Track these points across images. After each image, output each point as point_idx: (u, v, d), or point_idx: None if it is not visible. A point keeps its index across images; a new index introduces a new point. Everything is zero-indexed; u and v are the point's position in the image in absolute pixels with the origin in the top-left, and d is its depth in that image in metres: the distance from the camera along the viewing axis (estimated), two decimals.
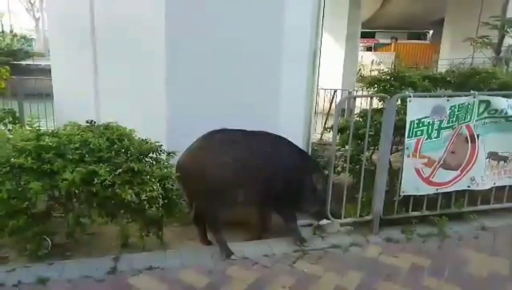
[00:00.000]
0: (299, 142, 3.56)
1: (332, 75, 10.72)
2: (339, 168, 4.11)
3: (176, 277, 2.70)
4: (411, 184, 3.45)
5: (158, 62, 3.41)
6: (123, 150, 2.94)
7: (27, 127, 3.23)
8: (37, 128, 3.10)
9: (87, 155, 2.78)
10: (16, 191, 2.69)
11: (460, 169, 3.59)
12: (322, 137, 6.92)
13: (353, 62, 12.16)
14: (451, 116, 3.39)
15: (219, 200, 3.00)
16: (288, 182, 3.12)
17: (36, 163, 2.68)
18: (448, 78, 4.14)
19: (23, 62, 14.10)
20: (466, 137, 3.56)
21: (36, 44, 21.94)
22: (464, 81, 4.17)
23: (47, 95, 5.85)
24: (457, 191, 3.67)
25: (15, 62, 13.49)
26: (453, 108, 3.38)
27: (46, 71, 9.31)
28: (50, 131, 3.19)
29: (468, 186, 3.65)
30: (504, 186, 3.86)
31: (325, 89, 7.71)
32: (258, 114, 3.43)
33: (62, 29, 4.41)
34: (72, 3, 4.15)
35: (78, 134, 2.95)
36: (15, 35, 17.52)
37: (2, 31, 18.08)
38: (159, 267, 2.81)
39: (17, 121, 4.98)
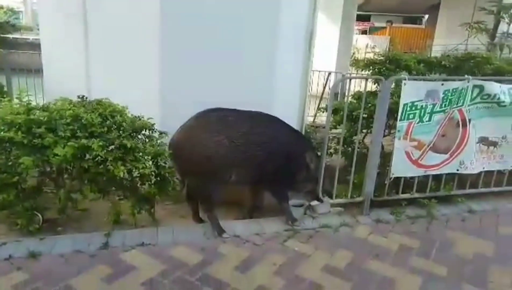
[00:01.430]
0: (293, 124, 3.55)
1: (326, 57, 10.64)
2: (331, 150, 4.14)
3: (168, 253, 2.72)
4: (400, 166, 3.49)
5: (152, 36, 3.33)
6: (115, 126, 2.92)
7: (16, 101, 3.17)
8: (27, 102, 3.04)
9: (79, 131, 2.74)
10: (6, 165, 2.67)
11: (449, 152, 3.64)
12: (315, 120, 6.93)
13: (347, 45, 12.06)
14: (444, 100, 3.40)
15: (213, 179, 3.00)
16: (282, 161, 3.13)
17: (27, 138, 2.64)
18: (443, 62, 4.14)
19: (10, 36, 13.73)
20: (458, 122, 3.59)
21: (24, 18, 21.34)
22: (459, 65, 4.18)
23: (36, 70, 5.74)
24: (447, 175, 3.72)
25: (2, 36, 13.16)
26: (446, 92, 3.39)
27: (34, 45, 9.10)
28: (40, 105, 3.13)
29: (457, 170, 3.70)
30: (493, 171, 3.93)
31: (319, 71, 7.68)
32: (252, 94, 3.39)
33: (51, 1, 4.27)
34: None
35: (69, 109, 2.90)
36: (1, 8, 16.99)
37: None
38: (151, 243, 2.82)
39: (5, 96, 4.88)
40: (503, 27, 8.22)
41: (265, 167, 3.09)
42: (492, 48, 7.33)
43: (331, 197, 3.46)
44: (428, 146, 3.51)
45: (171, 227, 3.11)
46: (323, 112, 5.76)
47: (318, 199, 3.43)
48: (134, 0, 3.42)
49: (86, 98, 3.20)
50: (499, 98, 3.58)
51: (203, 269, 2.57)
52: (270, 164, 3.09)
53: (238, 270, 2.60)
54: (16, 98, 3.25)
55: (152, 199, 3.06)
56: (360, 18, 18.64)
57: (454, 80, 3.48)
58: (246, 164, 3.04)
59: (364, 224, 3.38)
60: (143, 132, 3.06)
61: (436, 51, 10.81)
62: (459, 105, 3.51)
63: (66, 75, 3.96)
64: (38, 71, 5.29)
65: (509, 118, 3.74)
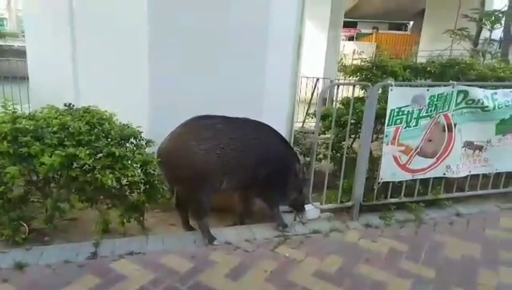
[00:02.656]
0: (282, 130, 3.56)
1: (314, 63, 10.73)
2: (320, 156, 4.17)
3: (158, 262, 2.69)
4: (389, 171, 3.52)
5: (140, 42, 3.32)
6: (103, 134, 2.89)
7: (1, 110, 3.12)
8: (12, 110, 3.00)
9: (66, 139, 2.71)
10: None
11: (436, 157, 3.69)
12: (304, 125, 6.97)
13: (335, 51, 12.18)
14: (430, 105, 3.46)
15: (202, 186, 2.99)
16: (272, 168, 3.13)
17: (13, 147, 2.60)
18: (429, 68, 4.22)
19: None
20: (444, 126, 3.65)
21: (9, 24, 21.05)
22: (444, 71, 4.26)
23: (21, 78, 5.65)
24: (434, 179, 3.77)
25: None
26: (432, 97, 3.45)
27: (20, 53, 8.97)
28: (26, 114, 3.09)
29: (444, 174, 3.76)
30: (478, 174, 4.00)
31: (307, 78, 7.73)
32: (241, 100, 3.40)
33: (37, 7, 4.24)
34: None
35: (56, 118, 2.88)
36: None
37: None
38: (140, 252, 2.79)
39: None
40: (485, 33, 8.41)
41: (255, 173, 3.09)
42: (475, 54, 7.49)
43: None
44: (415, 150, 3.56)
45: (161, 235, 3.08)
46: (312, 118, 5.81)
47: (301, 206, 3.44)
48: (122, 7, 3.41)
49: (73, 105, 3.17)
50: (483, 103, 3.66)
51: (194, 277, 2.55)
52: (260, 171, 3.09)
53: (229, 278, 2.59)
54: (2, 106, 3.20)
55: (141, 207, 3.03)
56: (347, 25, 18.87)
57: (439, 85, 3.54)
58: (235, 171, 3.04)
59: (354, 229, 3.40)
60: (131, 140, 3.03)
61: (422, 56, 10.99)
62: (444, 110, 3.57)
63: (52, 83, 3.91)
64: (23, 78, 5.22)
65: (493, 123, 3.83)
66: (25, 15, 4.98)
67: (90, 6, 3.55)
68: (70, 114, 3.02)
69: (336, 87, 3.53)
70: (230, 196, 3.36)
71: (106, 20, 3.47)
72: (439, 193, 3.84)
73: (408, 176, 3.63)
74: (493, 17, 7.87)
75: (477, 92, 3.63)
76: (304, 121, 7.06)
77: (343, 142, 3.85)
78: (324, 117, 4.13)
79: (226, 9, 3.40)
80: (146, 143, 3.08)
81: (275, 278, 2.62)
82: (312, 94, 7.85)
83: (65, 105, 3.15)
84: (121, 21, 3.41)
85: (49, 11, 3.91)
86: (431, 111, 3.49)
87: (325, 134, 4.29)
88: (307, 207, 3.47)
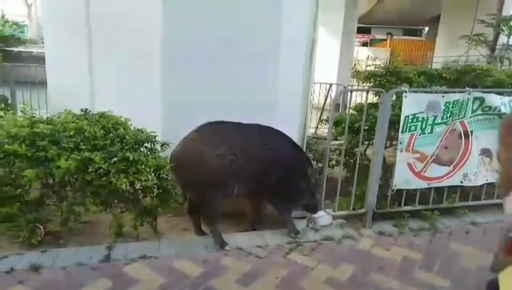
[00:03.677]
0: (295, 136, 3.56)
1: (327, 69, 10.72)
2: (333, 162, 4.15)
3: (170, 266, 2.71)
4: (403, 178, 3.48)
5: (154, 49, 3.37)
6: (118, 139, 2.93)
7: (20, 114, 3.20)
8: (31, 115, 3.07)
9: (82, 143, 2.76)
10: (9, 178, 2.68)
11: (452, 165, 3.63)
12: (317, 131, 6.95)
13: (348, 57, 12.16)
14: (446, 112, 3.42)
15: (214, 192, 3.00)
16: (283, 174, 3.13)
17: (30, 150, 2.66)
18: (444, 75, 4.17)
19: (15, 49, 13.88)
20: (460, 133, 3.59)
21: (29, 31, 21.58)
22: (459, 78, 4.20)
23: (39, 83, 5.79)
24: (449, 187, 3.71)
25: (6, 49, 13.29)
26: (447, 104, 3.41)
27: (38, 58, 9.19)
28: (44, 118, 3.16)
29: (461, 182, 3.70)
30: (495, 182, 3.91)
31: (320, 83, 7.72)
32: (254, 106, 3.42)
33: (56, 15, 4.34)
34: None
35: (72, 122, 2.93)
36: (7, 21, 17.21)
37: None
38: (153, 256, 2.81)
39: (9, 108, 4.93)
40: (502, 39, 8.28)
41: (267, 179, 3.09)
42: (492, 60, 7.37)
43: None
44: (431, 158, 3.51)
45: (173, 239, 3.11)
46: (324, 124, 5.79)
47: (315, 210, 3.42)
48: (137, 14, 3.47)
49: (89, 111, 3.23)
50: (500, 110, 3.59)
51: (206, 282, 2.56)
52: (272, 176, 3.10)
53: (240, 283, 2.59)
54: (21, 111, 3.28)
55: (154, 211, 3.06)
56: (360, 31, 18.80)
57: (454, 92, 3.50)
58: (247, 177, 3.04)
59: (367, 236, 3.36)
60: (145, 144, 3.07)
61: (437, 63, 10.88)
62: (460, 117, 3.52)
63: (69, 88, 4.00)
64: (42, 83, 5.34)
65: None
66: (44, 23, 5.11)
67: (106, 15, 3.63)
68: (86, 119, 3.07)
69: (349, 93, 3.52)
70: (241, 201, 3.37)
71: (121, 28, 3.54)
72: (454, 201, 3.77)
73: (423, 184, 3.58)
74: (511, 23, 7.75)
75: (494, 99, 3.57)
76: (317, 127, 7.04)
77: (356, 149, 3.83)
78: (337, 123, 4.11)
79: (239, 16, 3.43)
80: (161, 147, 3.11)
81: (286, 284, 2.60)
82: (325, 100, 7.82)
83: (81, 110, 3.21)
84: (136, 29, 3.47)
85: (67, 19, 4.00)
86: (446, 118, 3.44)
87: (337, 140, 4.27)
88: (320, 213, 3.45)
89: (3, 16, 18.07)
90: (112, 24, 3.61)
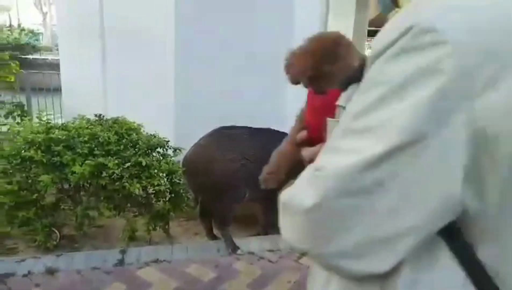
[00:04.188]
0: None
1: None
2: None
3: (183, 270, 2.73)
4: None
5: (167, 55, 3.42)
6: (131, 144, 2.98)
7: (36, 120, 3.28)
8: (46, 121, 3.14)
9: (96, 149, 2.81)
10: (26, 183, 2.74)
11: None
12: None
13: None
14: None
15: (226, 196, 3.02)
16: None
17: (46, 156, 2.72)
18: None
19: (31, 56, 14.16)
20: None
21: (43, 38, 22.03)
22: None
23: (54, 89, 5.90)
24: None
25: (22, 57, 13.58)
26: None
27: (53, 65, 9.37)
28: (59, 124, 3.23)
29: None
30: None
31: None
32: (265, 111, 3.44)
33: (71, 23, 4.44)
34: None
35: (87, 128, 2.99)
36: (23, 29, 17.59)
37: (10, 25, 18.18)
38: (165, 260, 2.84)
39: (25, 115, 5.03)
40: None
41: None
42: None
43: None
44: None
45: (185, 243, 3.13)
46: None
47: None
48: (150, 21, 3.53)
49: (103, 116, 3.29)
50: None
51: (218, 286, 2.57)
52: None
53: (252, 287, 2.59)
54: (36, 117, 3.36)
55: (166, 215, 3.09)
56: (371, 34, 18.72)
57: None
58: (259, 181, 3.04)
59: None
60: (158, 149, 3.11)
61: None
62: None
63: (83, 94, 4.08)
64: (56, 89, 5.45)
65: None
66: (59, 31, 5.23)
67: (120, 22, 3.70)
68: (100, 124, 3.13)
69: None
70: (253, 205, 3.38)
71: (134, 35, 3.61)
72: None
73: None
74: None
75: None
76: None
77: None
78: None
79: (251, 23, 3.46)
80: (173, 152, 3.14)
81: (299, 289, 2.60)
82: None
83: (95, 116, 3.27)
84: (149, 36, 3.54)
85: (81, 27, 4.10)
86: None
87: None
88: None
89: (19, 25, 18.49)
90: (125, 31, 3.68)
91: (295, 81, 0.81)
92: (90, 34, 3.95)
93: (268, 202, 3.33)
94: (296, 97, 3.64)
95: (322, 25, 3.86)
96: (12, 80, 5.41)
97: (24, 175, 2.78)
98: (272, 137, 3.18)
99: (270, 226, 3.47)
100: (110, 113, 3.34)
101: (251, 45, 3.48)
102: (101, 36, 3.83)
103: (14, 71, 5.34)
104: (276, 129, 3.21)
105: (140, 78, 3.63)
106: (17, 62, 5.54)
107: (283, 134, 3.31)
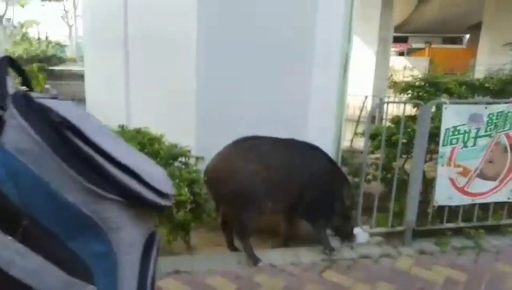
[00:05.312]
0: (329, 149, 3.48)
1: (362, 80, 10.54)
2: (369, 176, 4.01)
3: (203, 281, 2.69)
4: (445, 194, 3.31)
5: (189, 67, 3.44)
6: (153, 154, 2.98)
7: None
8: None
9: None
10: None
11: (498, 179, 3.43)
12: (352, 144, 6.80)
13: (384, 68, 11.90)
14: (489, 124, 3.24)
15: (248, 207, 2.97)
16: (318, 191, 3.06)
17: None
18: (487, 85, 3.97)
19: (57, 68, 14.61)
20: (505, 147, 3.39)
21: (69, 50, 22.78)
22: (504, 88, 3.98)
23: (79, 100, 6.04)
24: (495, 203, 3.50)
25: (49, 68, 14.05)
26: (491, 116, 3.23)
27: (78, 76, 9.64)
28: None
29: (508, 198, 3.47)
30: None
31: (355, 95, 7.59)
32: (287, 119, 3.39)
33: (96, 35, 4.54)
34: (106, 9, 4.27)
35: None
36: (50, 42, 18.24)
37: (39, 38, 18.87)
38: (186, 271, 2.81)
39: None
40: None
41: (301, 195, 3.03)
42: None
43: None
44: (474, 172, 3.32)
45: (206, 255, 3.10)
46: (360, 136, 5.66)
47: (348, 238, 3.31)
48: (172, 33, 3.56)
49: (126, 127, 3.31)
50: None
51: None
52: (306, 193, 3.03)
53: None
54: None
55: (187, 226, 3.07)
56: (397, 40, 18.43)
57: (499, 103, 3.31)
58: (281, 193, 3.00)
59: (406, 255, 3.21)
60: (180, 159, 3.11)
61: (479, 72, 10.44)
62: (505, 129, 3.32)
63: (107, 105, 4.14)
64: (81, 100, 5.57)
65: None
66: (85, 43, 5.35)
67: (143, 35, 3.75)
68: (123, 134, 3.15)
69: (385, 105, 3.41)
70: (275, 217, 3.32)
71: (157, 45, 3.64)
72: (501, 218, 3.54)
73: (467, 200, 3.39)
74: None
75: None
76: (352, 140, 6.89)
77: (394, 163, 3.69)
78: (373, 136, 3.99)
79: (272, 28, 3.43)
80: (196, 160, 3.13)
81: None
82: (361, 112, 7.67)
83: (118, 126, 3.30)
84: (171, 46, 3.56)
85: (106, 38, 4.17)
86: (490, 130, 3.26)
87: (374, 153, 4.14)
88: (356, 230, 3.33)
89: (46, 37, 19.18)
90: (148, 42, 3.73)
91: None
92: (114, 45, 4.02)
93: (291, 214, 3.28)
94: (320, 109, 3.63)
95: (346, 32, 3.78)
96: (40, 91, 5.57)
97: None
98: (295, 147, 3.14)
99: (291, 238, 3.41)
100: (133, 123, 3.37)
101: (273, 55, 3.45)
102: (125, 47, 3.89)
103: (41, 82, 5.51)
104: (299, 139, 3.16)
105: (162, 87, 3.66)
106: (45, 74, 5.71)
107: (306, 145, 3.27)
